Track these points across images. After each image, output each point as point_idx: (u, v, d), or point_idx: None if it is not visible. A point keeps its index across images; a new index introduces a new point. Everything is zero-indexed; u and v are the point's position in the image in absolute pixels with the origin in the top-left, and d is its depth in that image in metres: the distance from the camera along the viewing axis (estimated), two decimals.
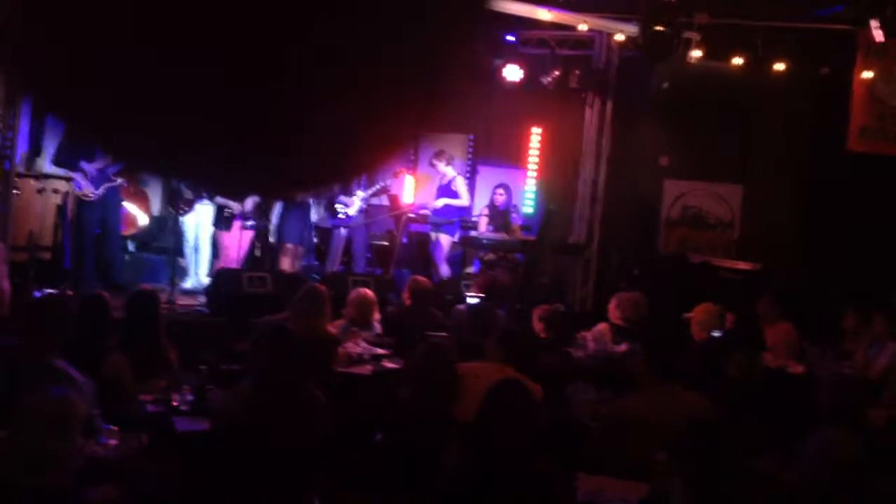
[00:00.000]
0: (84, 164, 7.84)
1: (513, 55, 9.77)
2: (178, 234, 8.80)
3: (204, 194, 8.55)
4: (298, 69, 1.28)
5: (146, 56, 1.23)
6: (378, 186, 9.58)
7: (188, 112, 1.29)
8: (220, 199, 8.62)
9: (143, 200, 9.23)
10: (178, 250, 8.80)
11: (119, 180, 8.07)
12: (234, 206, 8.71)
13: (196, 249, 8.98)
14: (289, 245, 9.13)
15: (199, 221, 8.86)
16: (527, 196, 10.61)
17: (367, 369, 5.52)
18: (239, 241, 8.84)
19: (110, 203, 8.08)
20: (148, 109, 1.29)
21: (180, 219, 8.75)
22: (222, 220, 8.73)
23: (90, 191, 7.88)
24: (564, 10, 9.13)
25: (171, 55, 1.23)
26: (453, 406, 3.99)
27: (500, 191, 9.59)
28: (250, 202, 8.69)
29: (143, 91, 1.27)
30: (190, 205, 8.70)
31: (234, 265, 8.67)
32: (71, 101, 1.35)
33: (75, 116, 1.44)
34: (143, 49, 1.23)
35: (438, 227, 9.76)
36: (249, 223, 8.86)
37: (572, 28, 9.51)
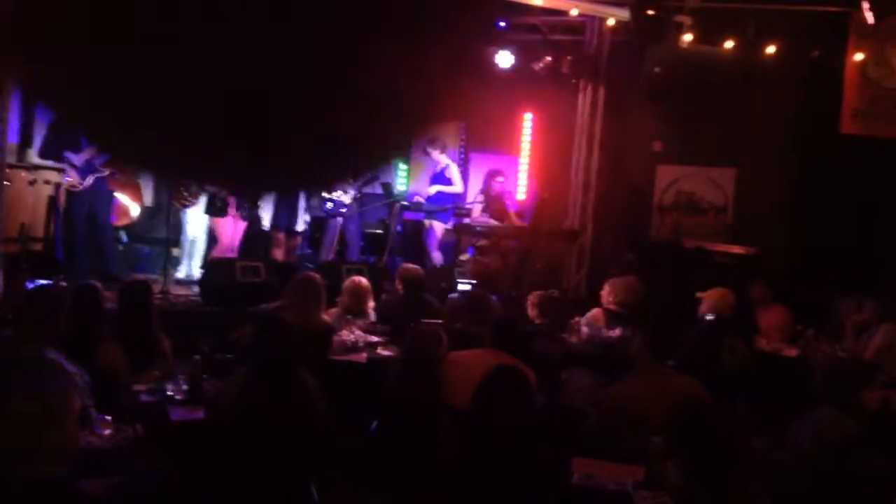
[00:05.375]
0: (70, 156, 7.80)
1: (504, 41, 9.74)
2: (177, 226, 8.78)
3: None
4: (294, 67, 1.28)
5: (145, 55, 1.23)
6: (369, 175, 9.56)
7: (187, 109, 1.29)
8: (209, 187, 8.59)
9: (135, 191, 9.20)
10: (174, 240, 8.78)
11: (107, 171, 8.03)
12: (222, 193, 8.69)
13: (194, 241, 8.96)
14: (280, 233, 9.13)
15: (198, 212, 8.85)
16: (520, 183, 10.60)
17: (361, 357, 5.53)
18: (234, 228, 8.82)
19: (99, 194, 8.04)
20: (146, 107, 1.29)
21: (183, 211, 8.75)
22: (215, 207, 8.70)
23: (77, 182, 7.84)
24: None
25: (170, 54, 1.23)
26: (441, 392, 4.00)
27: (499, 178, 9.53)
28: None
29: (141, 89, 1.26)
30: (196, 197, 8.68)
31: (228, 253, 8.67)
32: (66, 97, 1.35)
33: (69, 111, 1.44)
34: (143, 48, 1.23)
35: (432, 215, 9.75)
36: (243, 212, 8.84)
37: (564, 13, 9.48)
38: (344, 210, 9.44)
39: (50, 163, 8.08)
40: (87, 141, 7.76)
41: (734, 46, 9.21)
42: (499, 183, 9.49)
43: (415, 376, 4.09)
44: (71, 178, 7.84)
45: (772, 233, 9.54)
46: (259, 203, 9.06)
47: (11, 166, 8.20)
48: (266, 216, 9.20)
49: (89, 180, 7.89)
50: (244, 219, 8.89)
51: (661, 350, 4.38)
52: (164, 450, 3.83)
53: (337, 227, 9.56)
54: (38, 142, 8.45)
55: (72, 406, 3.57)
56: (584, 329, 6.46)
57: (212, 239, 9.03)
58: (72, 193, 7.91)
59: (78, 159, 7.81)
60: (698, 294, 6.61)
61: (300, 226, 9.40)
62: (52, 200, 8.08)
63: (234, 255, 8.68)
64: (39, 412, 3.44)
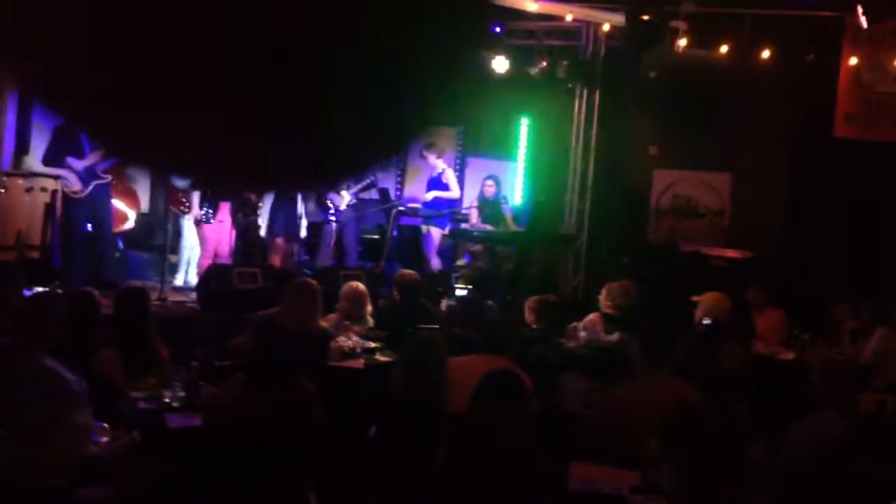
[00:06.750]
0: (72, 162, 7.79)
1: (500, 46, 9.76)
2: (176, 232, 8.79)
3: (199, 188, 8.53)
4: (292, 68, 1.29)
5: (145, 54, 1.24)
6: (367, 181, 9.57)
7: (186, 110, 1.30)
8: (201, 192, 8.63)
9: (131, 198, 9.20)
10: (172, 247, 8.78)
11: (108, 177, 8.03)
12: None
13: (192, 248, 8.97)
14: (278, 239, 9.14)
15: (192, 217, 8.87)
16: (516, 187, 10.62)
17: (359, 363, 5.52)
18: (220, 234, 8.83)
19: (100, 200, 8.03)
20: (145, 106, 1.30)
21: (181, 217, 8.75)
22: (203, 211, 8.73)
23: (79, 188, 7.84)
24: (551, 0, 9.12)
25: (169, 53, 1.24)
26: (443, 399, 4.00)
27: (490, 182, 9.60)
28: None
29: (140, 88, 1.27)
30: (191, 201, 8.69)
31: (217, 259, 8.67)
32: (69, 96, 1.35)
33: (73, 111, 1.45)
34: (141, 46, 1.24)
35: (429, 220, 9.77)
36: (239, 217, 8.85)
37: (559, 18, 9.51)
38: (340, 216, 9.45)
39: (47, 170, 8.07)
40: (90, 147, 7.76)
41: (729, 51, 9.24)
42: (489, 187, 9.53)
43: (416, 382, 4.09)
44: (73, 185, 7.82)
45: (768, 236, 9.56)
46: (258, 211, 9.07)
47: (8, 174, 8.20)
48: (263, 222, 9.21)
49: (91, 187, 7.88)
50: (236, 225, 8.90)
51: (657, 354, 4.38)
52: (162, 457, 3.83)
53: (333, 233, 9.57)
54: (36, 148, 8.45)
55: (71, 417, 3.57)
56: (582, 333, 6.47)
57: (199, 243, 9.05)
58: (72, 200, 7.89)
59: (80, 165, 7.81)
60: (694, 298, 6.62)
61: (300, 230, 9.42)
62: (49, 208, 8.08)
63: (220, 260, 8.68)
64: (38, 421, 3.45)
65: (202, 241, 8.87)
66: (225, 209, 8.93)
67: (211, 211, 8.71)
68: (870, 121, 9.09)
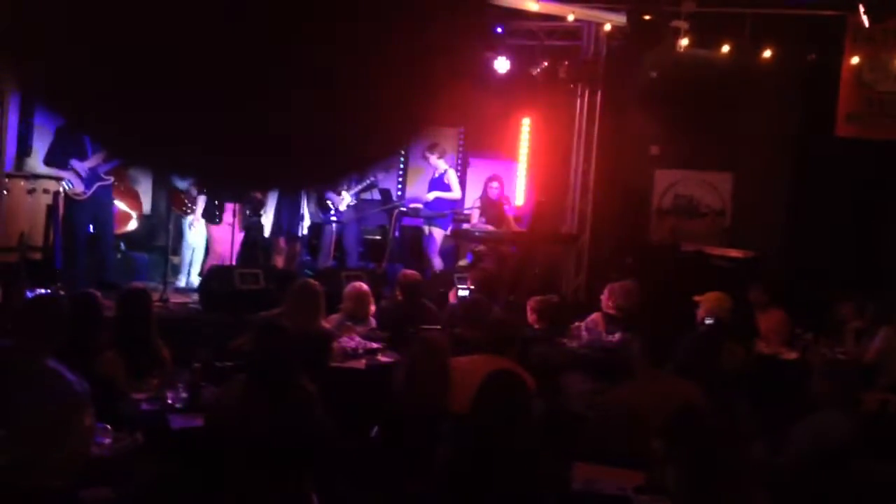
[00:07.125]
0: (75, 163, 7.80)
1: (501, 47, 9.76)
2: (178, 233, 8.78)
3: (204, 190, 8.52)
4: (293, 67, 1.28)
5: (144, 54, 1.23)
6: (367, 182, 9.57)
7: (186, 109, 1.29)
8: (209, 193, 8.61)
9: (133, 199, 9.20)
10: (174, 248, 8.78)
11: (110, 179, 8.03)
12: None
13: (194, 249, 8.97)
14: (281, 240, 9.13)
15: (198, 219, 8.87)
16: (517, 188, 10.61)
17: (361, 364, 5.52)
18: (228, 237, 8.82)
19: (102, 202, 8.04)
20: (146, 107, 1.29)
21: (183, 218, 8.75)
22: (213, 213, 8.72)
23: (81, 190, 7.84)
24: (552, 1, 9.13)
25: (168, 52, 1.23)
26: (445, 399, 3.99)
27: (494, 184, 9.59)
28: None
29: (141, 88, 1.27)
30: (194, 202, 8.69)
31: (223, 261, 8.66)
32: (69, 98, 1.35)
33: (74, 113, 1.44)
34: (141, 46, 1.23)
35: (431, 221, 9.76)
36: (246, 217, 8.84)
37: (560, 19, 9.51)
38: (341, 216, 9.44)
39: (49, 171, 8.07)
40: (92, 149, 7.77)
41: (730, 50, 9.24)
42: (494, 188, 9.53)
43: (419, 383, 4.09)
44: (75, 186, 7.83)
45: (770, 236, 9.55)
46: (261, 211, 9.07)
47: (10, 175, 8.20)
48: (267, 224, 9.20)
49: (93, 189, 7.89)
50: (243, 228, 8.89)
51: (659, 354, 4.38)
52: (164, 458, 3.82)
53: (333, 234, 9.56)
54: (38, 150, 8.45)
55: (74, 418, 3.57)
56: (584, 333, 6.47)
57: (207, 245, 9.04)
58: (74, 201, 7.89)
59: (83, 167, 7.82)
60: (696, 298, 6.62)
61: (302, 230, 9.40)
62: (51, 209, 8.08)
63: (228, 261, 8.68)
64: (42, 424, 3.45)
65: (211, 242, 8.87)
66: (231, 210, 8.93)
67: (218, 212, 8.71)
68: (871, 120, 9.09)
